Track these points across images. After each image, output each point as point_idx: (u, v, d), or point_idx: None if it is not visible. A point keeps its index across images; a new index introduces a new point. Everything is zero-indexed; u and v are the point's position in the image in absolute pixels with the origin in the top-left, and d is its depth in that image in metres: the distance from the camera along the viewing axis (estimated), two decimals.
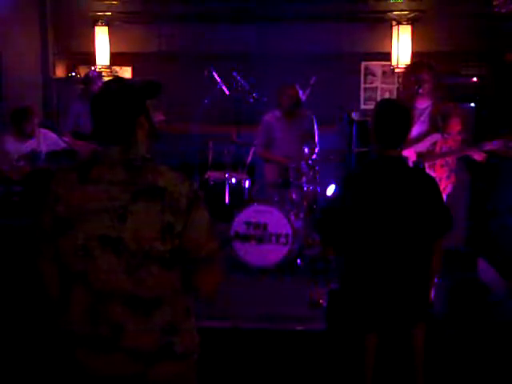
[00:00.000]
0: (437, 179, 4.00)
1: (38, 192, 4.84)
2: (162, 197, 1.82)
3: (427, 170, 4.02)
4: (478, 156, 4.03)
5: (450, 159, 4.19)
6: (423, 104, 4.17)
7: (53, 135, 5.51)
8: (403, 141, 2.84)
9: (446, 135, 4.11)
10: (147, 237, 1.81)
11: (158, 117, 5.50)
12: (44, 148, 5.40)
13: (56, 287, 1.94)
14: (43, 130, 5.46)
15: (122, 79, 1.99)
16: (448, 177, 4.23)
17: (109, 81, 1.99)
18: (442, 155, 4.15)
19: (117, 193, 1.83)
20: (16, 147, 5.23)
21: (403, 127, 2.82)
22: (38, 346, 3.43)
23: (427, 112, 4.16)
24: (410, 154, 4.12)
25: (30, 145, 5.29)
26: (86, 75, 6.01)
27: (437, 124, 4.09)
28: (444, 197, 4.11)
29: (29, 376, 3.33)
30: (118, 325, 1.83)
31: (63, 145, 5.51)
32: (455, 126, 4.12)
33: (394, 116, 2.82)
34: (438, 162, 4.18)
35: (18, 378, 3.34)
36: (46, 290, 1.97)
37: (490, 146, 4.01)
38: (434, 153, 4.15)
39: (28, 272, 2.03)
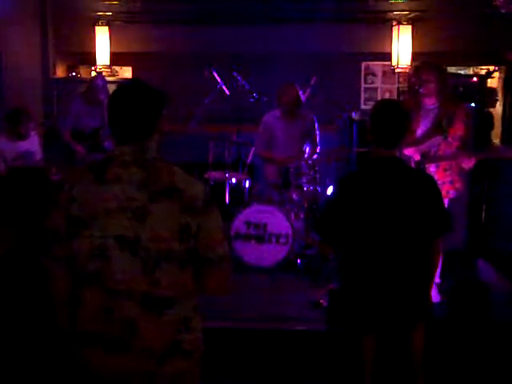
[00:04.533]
0: (439, 183, 3.97)
1: (16, 191, 4.83)
2: (179, 197, 1.84)
3: (428, 172, 3.98)
4: (466, 164, 4.01)
5: (454, 164, 4.16)
6: (430, 105, 4.14)
7: (37, 143, 5.45)
8: (400, 141, 2.82)
9: (450, 139, 4.09)
10: (165, 237, 1.83)
11: None
12: (35, 149, 5.38)
13: (64, 288, 1.94)
14: (35, 133, 5.43)
15: (141, 82, 1.99)
16: (451, 182, 4.17)
17: (129, 82, 1.99)
18: (440, 159, 4.12)
19: (134, 193, 1.84)
20: (9, 147, 5.20)
21: (399, 127, 2.81)
22: (43, 348, 3.42)
23: (433, 113, 4.14)
24: (412, 153, 4.10)
25: (23, 146, 5.27)
26: (92, 82, 5.96)
27: (441, 126, 4.07)
28: (446, 201, 4.08)
29: (35, 377, 3.32)
30: (131, 324, 1.85)
31: (39, 156, 5.45)
32: (458, 130, 4.10)
33: (389, 116, 2.81)
34: (442, 165, 4.13)
35: (24, 380, 3.33)
36: (53, 290, 1.97)
37: (484, 155, 4.01)
38: (435, 155, 4.12)
39: (29, 272, 2.03)
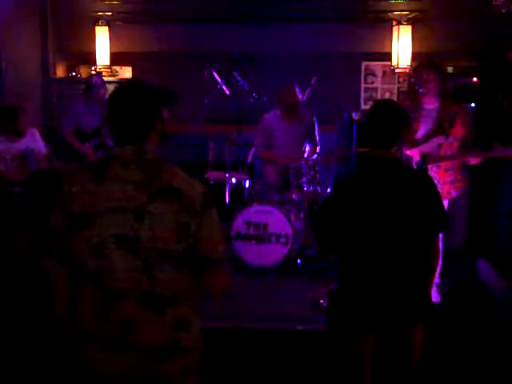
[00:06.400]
0: (440, 182, 3.98)
1: (41, 193, 4.80)
2: (178, 197, 1.86)
3: (430, 172, 3.98)
4: (474, 160, 4.04)
5: (456, 164, 4.16)
6: (431, 104, 4.15)
7: (40, 139, 5.34)
8: (395, 141, 2.81)
9: (451, 139, 4.09)
10: (163, 236, 1.84)
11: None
12: (36, 145, 5.25)
13: (64, 287, 1.95)
14: (34, 129, 5.32)
15: (140, 83, 2.00)
16: (452, 182, 4.19)
17: (128, 83, 2.01)
18: (443, 159, 4.12)
19: (133, 192, 1.85)
20: (7, 147, 5.08)
21: (393, 127, 2.80)
22: (43, 347, 3.42)
23: (434, 113, 4.14)
24: (413, 154, 4.11)
25: (21, 144, 5.15)
26: (89, 80, 5.94)
27: (443, 126, 4.08)
28: (447, 202, 4.09)
29: (38, 377, 3.32)
30: (130, 323, 1.86)
31: (43, 153, 5.34)
32: (459, 130, 4.10)
33: (382, 116, 2.81)
34: (443, 165, 4.14)
35: (25, 380, 3.33)
36: (52, 289, 1.98)
37: (493, 154, 4.03)
38: (437, 155, 4.12)
39: (29, 273, 2.03)
